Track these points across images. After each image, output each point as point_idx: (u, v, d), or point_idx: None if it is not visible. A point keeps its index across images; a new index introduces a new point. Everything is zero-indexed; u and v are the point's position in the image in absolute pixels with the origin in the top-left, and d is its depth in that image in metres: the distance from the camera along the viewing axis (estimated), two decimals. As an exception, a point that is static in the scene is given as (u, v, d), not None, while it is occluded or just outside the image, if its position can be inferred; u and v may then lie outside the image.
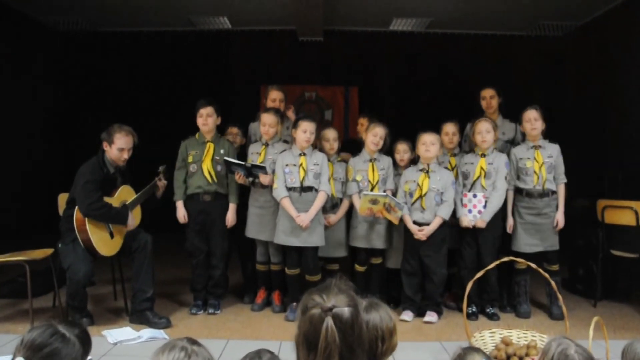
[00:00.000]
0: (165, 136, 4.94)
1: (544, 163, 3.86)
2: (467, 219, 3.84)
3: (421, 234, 3.74)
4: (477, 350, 1.79)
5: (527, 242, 3.90)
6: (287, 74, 7.02)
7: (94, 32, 6.85)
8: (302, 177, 3.75)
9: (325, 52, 7.16)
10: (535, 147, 3.90)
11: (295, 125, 3.83)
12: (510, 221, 3.93)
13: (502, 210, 3.91)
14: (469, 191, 3.88)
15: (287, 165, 3.78)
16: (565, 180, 3.92)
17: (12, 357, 1.53)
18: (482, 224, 3.82)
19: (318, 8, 5.57)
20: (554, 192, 3.89)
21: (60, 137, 6.92)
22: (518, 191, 3.95)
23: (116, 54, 7.14)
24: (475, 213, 3.85)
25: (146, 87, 7.18)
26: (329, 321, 1.38)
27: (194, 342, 1.46)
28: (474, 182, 3.87)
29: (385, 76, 7.35)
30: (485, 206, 3.83)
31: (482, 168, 3.86)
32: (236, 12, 6.14)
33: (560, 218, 3.87)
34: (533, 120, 3.87)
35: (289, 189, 3.76)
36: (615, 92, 5.39)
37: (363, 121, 4.47)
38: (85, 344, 1.57)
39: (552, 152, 3.90)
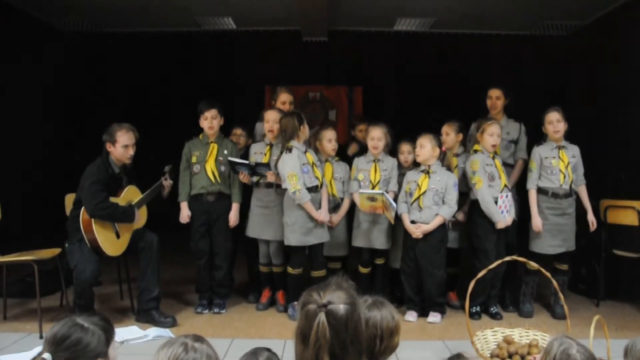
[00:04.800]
0: (170, 136, 4.96)
1: (569, 162, 3.85)
2: (503, 221, 3.82)
3: (418, 231, 3.74)
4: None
5: (550, 244, 3.85)
6: (292, 74, 7.02)
7: (99, 33, 6.88)
8: (318, 176, 3.84)
9: (329, 53, 7.17)
10: (560, 147, 3.88)
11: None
12: (537, 220, 3.84)
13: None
14: (501, 192, 3.86)
15: (304, 164, 3.77)
16: (584, 182, 3.96)
17: (38, 353, 1.57)
18: (511, 220, 3.89)
19: (323, 9, 5.59)
20: (575, 193, 3.90)
21: (64, 137, 6.95)
22: (542, 192, 3.88)
23: (121, 55, 7.16)
24: (505, 213, 3.87)
25: (151, 88, 7.21)
26: (321, 317, 1.43)
27: (198, 338, 1.48)
28: (505, 183, 3.89)
29: (389, 76, 7.35)
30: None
31: (501, 169, 3.91)
32: (241, 12, 6.15)
33: (592, 218, 3.91)
34: (555, 122, 3.84)
35: (309, 189, 3.74)
36: (619, 91, 5.38)
37: (362, 127, 4.51)
38: (107, 330, 1.61)
39: (575, 153, 3.91)
